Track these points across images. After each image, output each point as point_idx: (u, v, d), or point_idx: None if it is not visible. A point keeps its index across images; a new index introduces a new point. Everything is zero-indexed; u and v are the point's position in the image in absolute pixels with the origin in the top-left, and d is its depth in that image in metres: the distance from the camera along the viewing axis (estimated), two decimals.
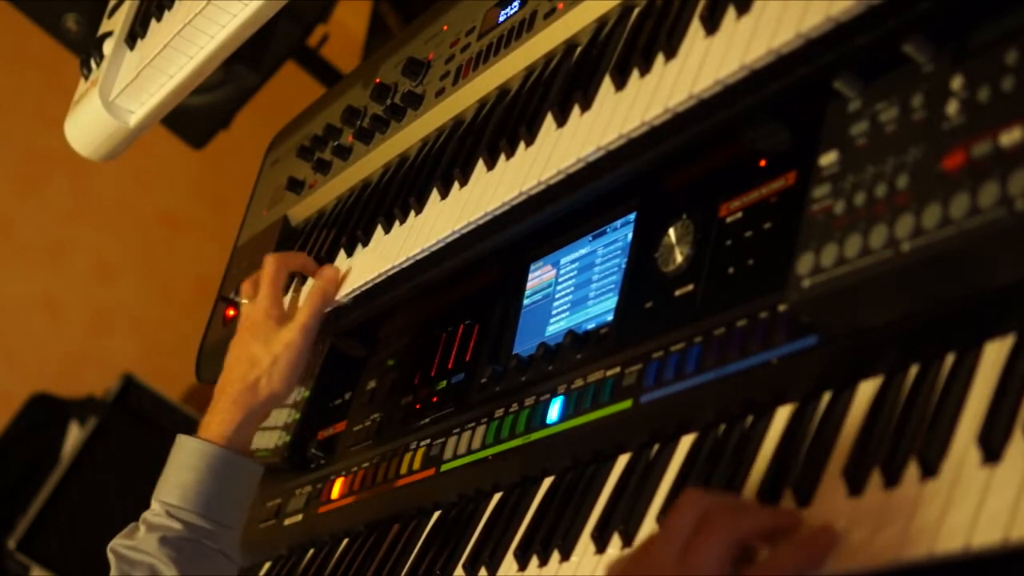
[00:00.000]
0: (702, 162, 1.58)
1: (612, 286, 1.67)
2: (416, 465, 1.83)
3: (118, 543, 1.75)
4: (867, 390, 1.30)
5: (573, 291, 1.74)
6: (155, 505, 1.77)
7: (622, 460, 1.55)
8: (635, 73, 1.52)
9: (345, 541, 1.99)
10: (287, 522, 2.09)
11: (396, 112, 2.00)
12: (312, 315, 1.87)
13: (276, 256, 1.95)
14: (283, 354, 1.84)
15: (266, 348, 1.85)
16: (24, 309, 4.46)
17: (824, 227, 1.27)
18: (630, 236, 1.67)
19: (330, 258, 1.99)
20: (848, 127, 1.30)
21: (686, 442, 1.47)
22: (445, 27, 1.98)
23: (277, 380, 1.84)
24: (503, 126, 1.72)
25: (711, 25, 1.43)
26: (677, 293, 1.54)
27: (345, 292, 1.90)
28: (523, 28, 1.78)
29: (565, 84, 1.64)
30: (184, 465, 1.78)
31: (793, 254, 1.30)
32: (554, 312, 1.76)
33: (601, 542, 1.47)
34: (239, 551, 1.81)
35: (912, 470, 1.18)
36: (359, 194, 2.06)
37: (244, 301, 1.93)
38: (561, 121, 1.60)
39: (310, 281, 1.97)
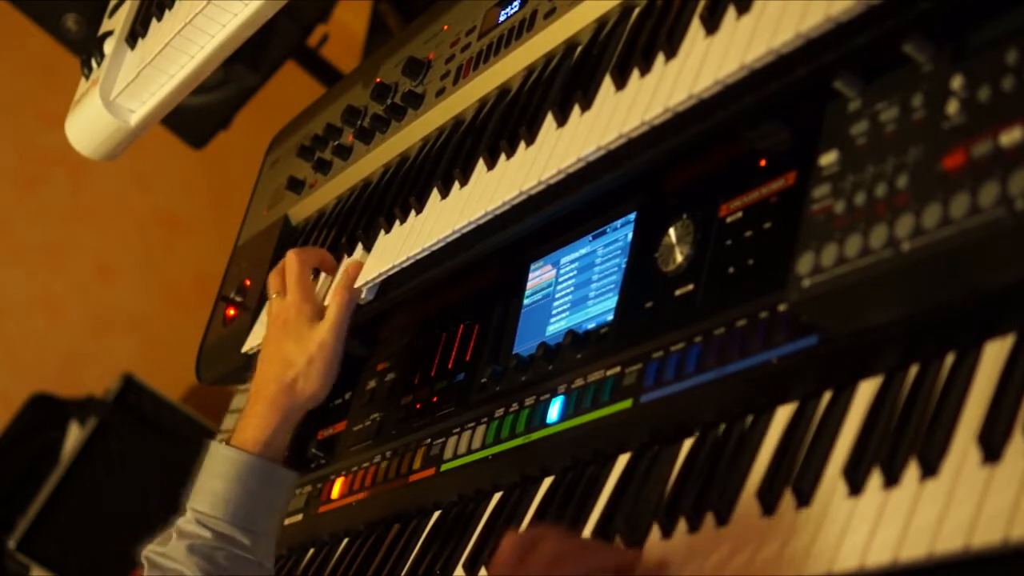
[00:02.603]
0: (702, 162, 1.58)
1: (612, 286, 1.67)
2: (416, 465, 1.83)
3: (151, 549, 1.74)
4: (867, 390, 1.30)
5: (573, 291, 1.74)
6: (188, 512, 1.76)
7: (622, 460, 1.55)
8: (635, 73, 1.52)
9: (345, 541, 1.99)
10: (287, 522, 2.08)
11: (396, 112, 2.00)
12: (342, 312, 1.85)
13: (298, 252, 1.93)
14: (318, 354, 1.83)
15: (300, 348, 1.83)
16: (24, 309, 4.46)
17: (824, 227, 1.27)
18: (630, 236, 1.67)
19: None
20: (848, 127, 1.30)
21: (686, 442, 1.47)
22: (445, 27, 1.98)
23: (314, 380, 1.82)
24: (503, 126, 1.72)
25: (711, 25, 1.43)
26: (677, 293, 1.54)
27: None
28: (523, 28, 1.78)
29: (565, 84, 1.64)
30: (214, 473, 1.76)
31: (793, 254, 1.30)
32: (554, 312, 1.76)
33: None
34: (272, 557, 1.79)
35: (912, 470, 1.18)
36: (359, 194, 2.06)
37: (273, 295, 1.91)
38: (561, 121, 1.60)
39: (322, 276, 1.96)
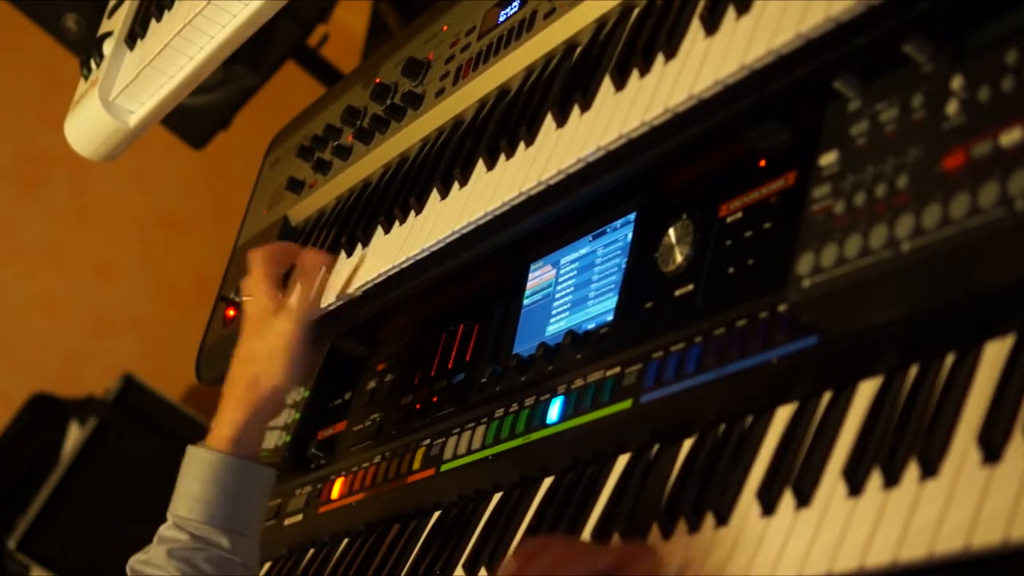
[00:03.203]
0: (702, 162, 1.58)
1: (612, 286, 1.67)
2: (416, 465, 1.83)
3: (134, 559, 1.75)
4: (867, 390, 1.30)
5: (573, 291, 1.74)
6: (168, 518, 1.76)
7: (622, 460, 1.55)
8: (635, 73, 1.52)
9: (345, 541, 1.99)
10: (287, 522, 2.09)
11: (396, 112, 2.00)
12: (301, 301, 1.84)
13: (259, 251, 1.92)
14: (279, 345, 1.82)
15: (263, 342, 1.83)
16: (24, 309, 4.46)
17: (824, 227, 1.27)
18: (630, 236, 1.67)
19: None
20: (848, 127, 1.30)
21: (686, 442, 1.47)
22: (445, 27, 1.98)
23: (276, 371, 1.81)
24: (503, 126, 1.72)
25: (711, 25, 1.43)
26: (677, 293, 1.54)
27: (346, 291, 1.89)
28: (523, 28, 1.78)
29: (565, 84, 1.64)
30: (192, 476, 1.76)
31: (793, 254, 1.30)
32: (554, 312, 1.76)
33: (601, 543, 1.47)
34: (256, 555, 1.78)
35: (912, 470, 1.18)
36: (359, 194, 2.06)
37: (246, 299, 1.91)
38: (561, 121, 1.60)
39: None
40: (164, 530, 1.75)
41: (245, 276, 1.94)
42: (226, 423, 1.79)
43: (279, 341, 1.82)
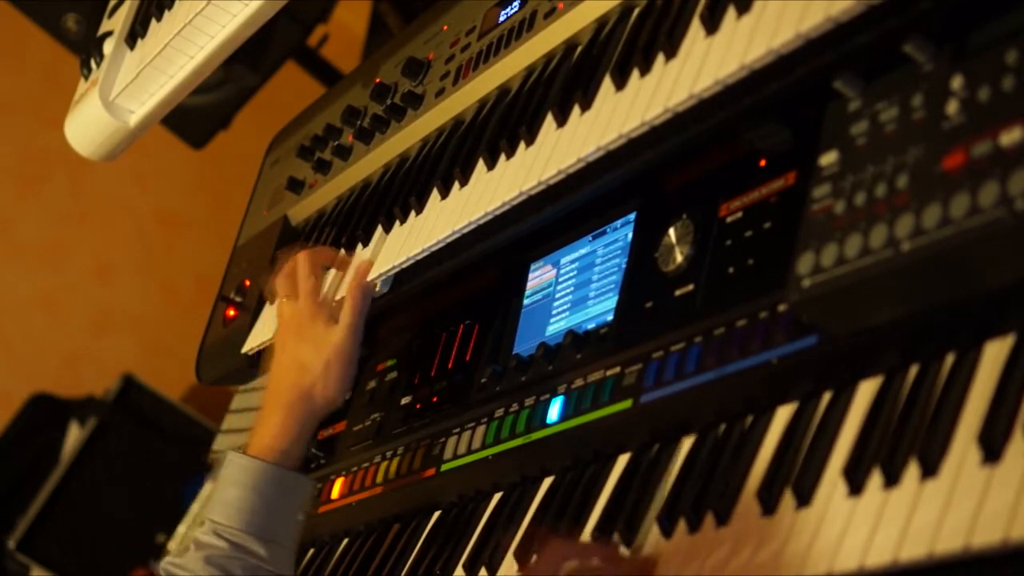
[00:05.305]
0: (702, 162, 1.58)
1: (612, 286, 1.67)
2: (416, 465, 1.83)
3: (168, 561, 1.72)
4: (867, 390, 1.30)
5: (573, 291, 1.74)
6: (205, 523, 1.73)
7: (622, 460, 1.55)
8: (635, 73, 1.52)
9: (345, 541, 1.99)
10: None
11: (396, 112, 2.00)
12: (357, 314, 1.82)
13: (308, 253, 1.89)
14: (335, 358, 1.79)
15: (317, 353, 1.79)
16: (24, 309, 4.46)
17: (824, 227, 1.27)
18: (630, 236, 1.67)
19: None
20: (848, 127, 1.30)
21: (686, 442, 1.48)
22: (445, 27, 1.98)
23: (332, 386, 1.79)
24: (503, 126, 1.72)
25: (711, 25, 1.43)
26: (677, 293, 1.54)
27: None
28: (523, 28, 1.78)
29: (565, 84, 1.64)
30: (231, 482, 1.73)
31: (793, 254, 1.30)
32: (554, 312, 1.76)
33: (602, 543, 1.47)
34: (291, 567, 1.75)
35: (912, 470, 1.18)
36: (359, 194, 2.06)
37: (283, 299, 1.88)
38: (561, 121, 1.60)
39: (331, 273, 1.94)
40: (201, 535, 1.72)
41: (281, 272, 1.90)
42: (274, 434, 1.76)
43: (336, 355, 1.79)
